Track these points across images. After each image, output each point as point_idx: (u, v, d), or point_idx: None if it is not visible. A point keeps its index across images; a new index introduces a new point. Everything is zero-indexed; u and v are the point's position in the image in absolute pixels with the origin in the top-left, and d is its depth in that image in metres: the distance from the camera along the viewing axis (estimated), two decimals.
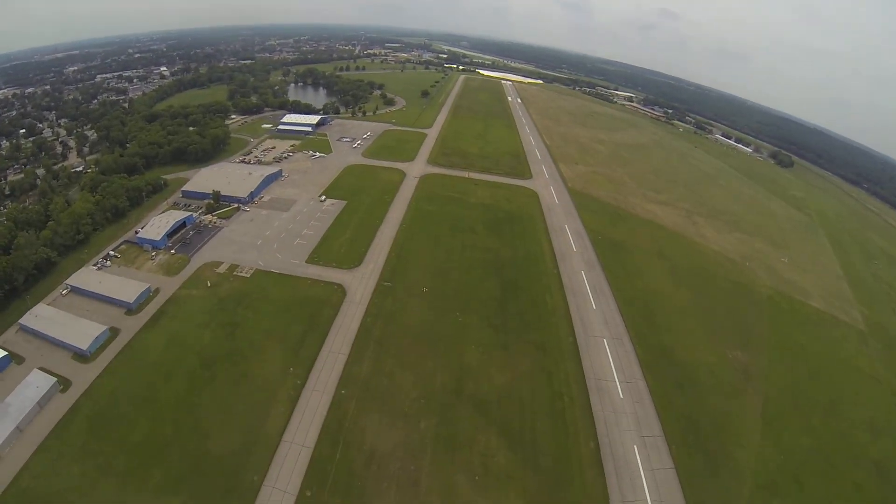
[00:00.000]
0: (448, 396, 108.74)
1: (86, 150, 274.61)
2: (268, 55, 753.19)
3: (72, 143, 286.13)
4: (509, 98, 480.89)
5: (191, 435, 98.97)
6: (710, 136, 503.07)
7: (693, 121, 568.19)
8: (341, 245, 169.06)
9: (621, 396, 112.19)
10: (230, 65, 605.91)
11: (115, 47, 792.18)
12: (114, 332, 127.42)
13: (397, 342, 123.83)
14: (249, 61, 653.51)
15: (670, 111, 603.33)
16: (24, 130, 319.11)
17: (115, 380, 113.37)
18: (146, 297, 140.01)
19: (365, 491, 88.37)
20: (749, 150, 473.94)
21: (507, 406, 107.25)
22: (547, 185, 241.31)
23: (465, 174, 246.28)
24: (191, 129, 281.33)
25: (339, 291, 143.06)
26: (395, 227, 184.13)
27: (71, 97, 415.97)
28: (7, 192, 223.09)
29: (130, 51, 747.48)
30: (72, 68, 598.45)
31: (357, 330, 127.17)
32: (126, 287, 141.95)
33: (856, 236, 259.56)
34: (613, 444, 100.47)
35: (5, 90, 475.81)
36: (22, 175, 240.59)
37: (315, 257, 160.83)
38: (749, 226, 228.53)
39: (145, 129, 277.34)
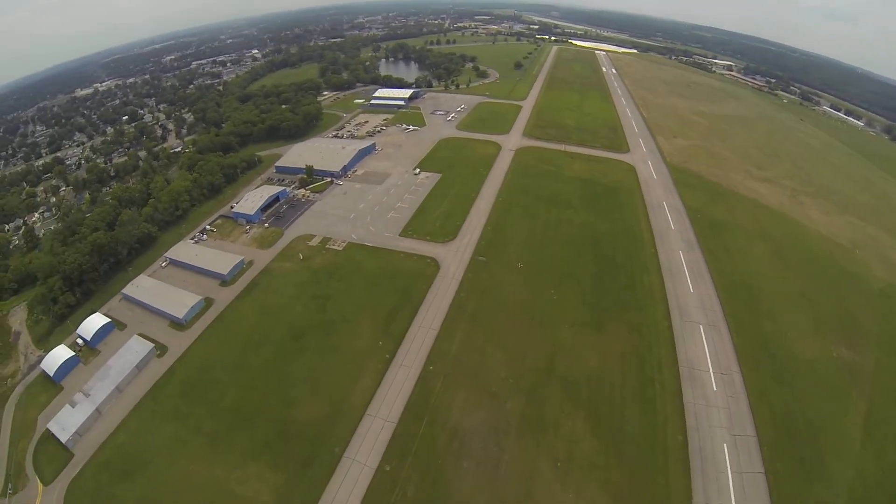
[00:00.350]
0: (538, 376, 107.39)
1: (184, 132, 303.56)
2: (357, 32, 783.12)
3: (171, 126, 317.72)
4: (603, 68, 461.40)
5: (278, 403, 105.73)
6: (816, 107, 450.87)
7: (798, 91, 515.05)
8: (436, 219, 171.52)
9: (714, 389, 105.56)
10: (320, 43, 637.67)
11: (208, 35, 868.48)
12: (208, 303, 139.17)
13: (490, 319, 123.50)
14: (339, 39, 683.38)
15: (773, 80, 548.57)
16: (126, 117, 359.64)
17: (209, 347, 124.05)
18: (240, 269, 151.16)
19: (444, 469, 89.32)
20: (860, 123, 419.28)
21: (597, 390, 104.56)
22: (645, 160, 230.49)
23: (562, 147, 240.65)
24: (283, 106, 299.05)
25: (433, 265, 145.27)
26: (491, 201, 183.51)
27: (169, 84, 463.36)
28: (112, 173, 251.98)
29: (223, 37, 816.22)
30: (169, 57, 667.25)
31: (449, 305, 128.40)
32: (221, 259, 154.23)
33: None
34: (703, 439, 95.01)
35: (108, 82, 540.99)
36: (125, 158, 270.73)
37: (409, 230, 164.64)
38: (861, 208, 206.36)
39: (239, 109, 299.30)
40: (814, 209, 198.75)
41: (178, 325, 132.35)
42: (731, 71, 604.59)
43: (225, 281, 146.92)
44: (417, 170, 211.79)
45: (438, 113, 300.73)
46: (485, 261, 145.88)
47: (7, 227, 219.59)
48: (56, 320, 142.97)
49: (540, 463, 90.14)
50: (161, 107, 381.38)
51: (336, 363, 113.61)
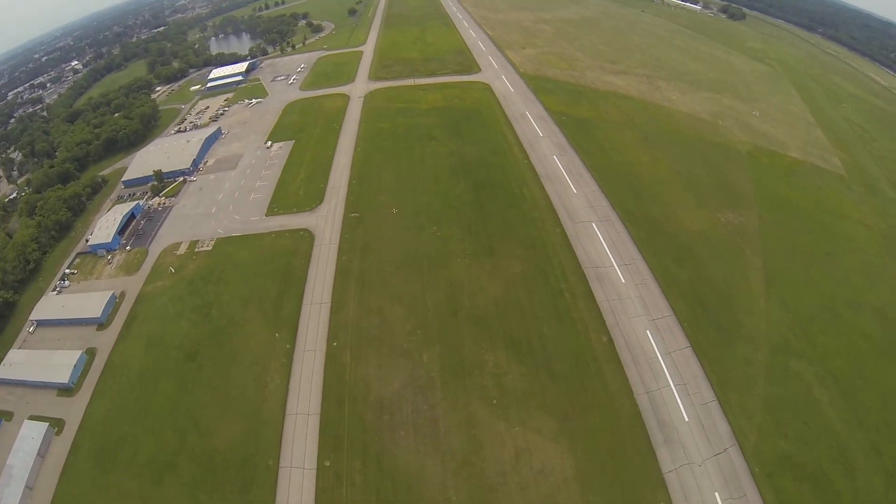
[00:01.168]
0: (444, 320, 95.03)
1: (14, 174, 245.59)
2: (181, 16, 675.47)
3: (1, 170, 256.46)
4: None
5: (194, 437, 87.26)
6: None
7: None
8: (298, 187, 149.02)
9: (623, 281, 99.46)
10: (143, 37, 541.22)
11: (21, 58, 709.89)
12: (91, 354, 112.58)
13: (379, 275, 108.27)
14: (163, 28, 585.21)
15: None
16: None
17: (106, 403, 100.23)
18: (113, 305, 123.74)
19: (384, 445, 77.10)
20: (698, 7, 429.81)
21: (508, 316, 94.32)
22: (498, 76, 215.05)
23: (411, 81, 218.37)
24: (116, 115, 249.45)
25: (307, 237, 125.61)
26: (350, 155, 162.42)
27: None
28: None
29: (36, 56, 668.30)
30: None
31: (334, 272, 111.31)
32: (90, 302, 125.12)
33: (820, 82, 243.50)
34: (626, 333, 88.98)
35: None
36: None
37: (274, 207, 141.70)
38: (713, 83, 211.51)
39: (69, 130, 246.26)
40: (671, 91, 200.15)
41: (66, 390, 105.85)
42: None
43: (101, 324, 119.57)
44: (269, 143, 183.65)
45: (279, 79, 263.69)
46: (358, 216, 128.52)
47: None
48: None
49: (475, 407, 79.85)
50: None
51: (239, 371, 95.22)
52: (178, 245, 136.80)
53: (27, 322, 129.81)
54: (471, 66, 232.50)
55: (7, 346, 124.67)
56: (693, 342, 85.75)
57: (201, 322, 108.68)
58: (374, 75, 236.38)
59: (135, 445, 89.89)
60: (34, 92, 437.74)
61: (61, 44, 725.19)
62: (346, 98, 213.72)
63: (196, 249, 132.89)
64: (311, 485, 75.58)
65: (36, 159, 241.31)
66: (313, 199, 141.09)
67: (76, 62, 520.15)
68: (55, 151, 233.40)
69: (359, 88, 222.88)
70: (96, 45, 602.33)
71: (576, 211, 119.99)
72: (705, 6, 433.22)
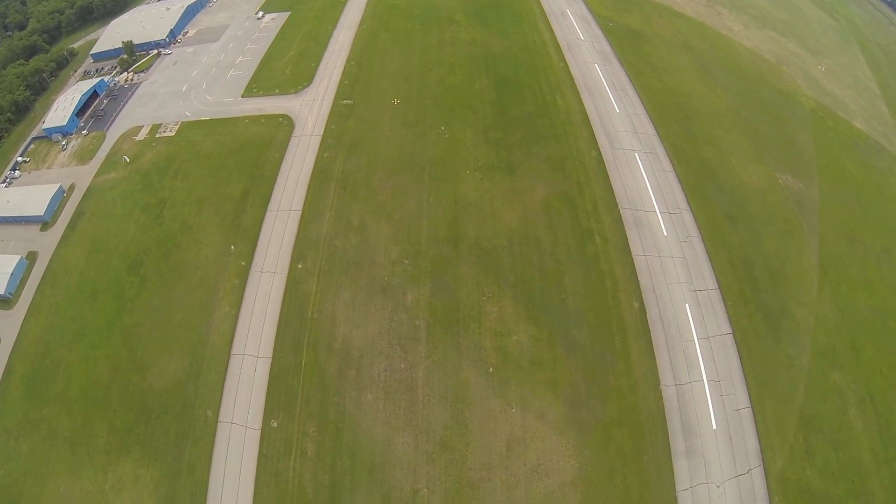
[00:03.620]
0: (441, 249, 73.32)
1: None
2: None
3: None
4: None
5: (129, 370, 72.46)
6: None
7: None
8: (285, 65, 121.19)
9: (665, 233, 76.32)
10: None
11: None
12: (31, 258, 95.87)
13: (365, 180, 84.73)
14: None
15: None
16: None
17: (42, 320, 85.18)
18: (60, 201, 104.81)
19: (345, 408, 59.04)
20: None
21: (524, 255, 72.34)
22: None
23: None
24: None
25: (286, 124, 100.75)
26: (353, 31, 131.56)
27: None
28: None
29: None
30: None
31: (311, 172, 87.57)
32: (35, 196, 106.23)
33: (886, 52, 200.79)
34: (662, 302, 68.63)
35: None
36: None
37: (253, 88, 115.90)
38: (779, 24, 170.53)
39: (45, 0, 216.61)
40: (733, 21, 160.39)
41: (4, 301, 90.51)
42: None
43: (46, 222, 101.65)
44: (260, 13, 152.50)
45: None
46: (350, 103, 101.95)
47: None
48: None
49: (467, 373, 60.46)
50: None
51: (183, 292, 77.18)
52: (138, 129, 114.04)
53: None
54: None
55: None
56: (735, 328, 67.61)
57: (150, 225, 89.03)
58: None
59: (68, 375, 76.65)
60: None
61: None
62: None
63: (157, 135, 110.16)
64: (254, 449, 59.60)
65: (9, 33, 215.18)
66: (301, 79, 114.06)
67: None
68: (26, 24, 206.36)
69: None
70: None
71: (617, 134, 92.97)
72: None
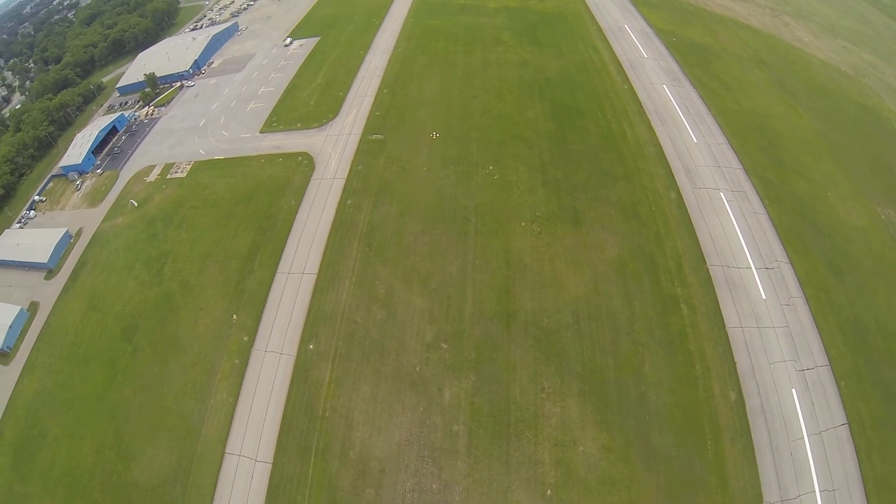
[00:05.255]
0: (488, 329, 60.07)
1: (28, 83, 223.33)
2: None
3: (16, 82, 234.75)
4: None
5: (113, 458, 62.59)
6: None
7: None
8: (310, 95, 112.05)
9: (764, 296, 61.06)
10: None
11: None
12: (33, 310, 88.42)
13: (396, 235, 72.41)
14: None
15: None
16: None
17: (35, 382, 76.93)
18: (66, 247, 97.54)
19: None
20: None
21: (592, 336, 58.43)
22: None
23: None
24: (132, 14, 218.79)
25: (305, 164, 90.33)
26: (387, 55, 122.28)
27: (21, 33, 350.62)
28: None
29: None
30: (28, 7, 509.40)
31: (330, 224, 75.82)
32: (41, 241, 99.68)
33: None
34: (764, 389, 53.77)
35: None
36: None
37: (273, 121, 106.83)
38: (849, 33, 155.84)
39: (82, 34, 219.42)
40: (802, 31, 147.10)
41: (2, 355, 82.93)
42: None
43: (50, 270, 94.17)
44: (288, 39, 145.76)
45: None
46: (381, 138, 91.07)
47: None
48: None
49: (517, 496, 47.19)
50: (11, 62, 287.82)
51: (177, 369, 66.47)
52: (150, 169, 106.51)
53: None
54: None
55: None
56: (851, 417, 52.11)
57: (149, 282, 79.42)
58: None
59: (53, 450, 68.39)
60: None
61: None
62: None
63: (168, 175, 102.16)
64: None
65: (48, 67, 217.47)
66: (326, 111, 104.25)
67: None
68: (63, 58, 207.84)
69: None
70: None
71: (697, 170, 78.33)
72: None
